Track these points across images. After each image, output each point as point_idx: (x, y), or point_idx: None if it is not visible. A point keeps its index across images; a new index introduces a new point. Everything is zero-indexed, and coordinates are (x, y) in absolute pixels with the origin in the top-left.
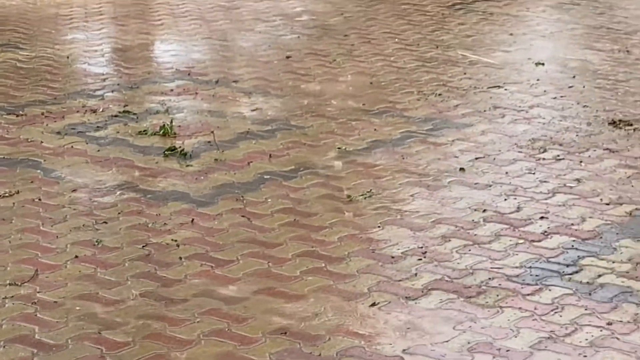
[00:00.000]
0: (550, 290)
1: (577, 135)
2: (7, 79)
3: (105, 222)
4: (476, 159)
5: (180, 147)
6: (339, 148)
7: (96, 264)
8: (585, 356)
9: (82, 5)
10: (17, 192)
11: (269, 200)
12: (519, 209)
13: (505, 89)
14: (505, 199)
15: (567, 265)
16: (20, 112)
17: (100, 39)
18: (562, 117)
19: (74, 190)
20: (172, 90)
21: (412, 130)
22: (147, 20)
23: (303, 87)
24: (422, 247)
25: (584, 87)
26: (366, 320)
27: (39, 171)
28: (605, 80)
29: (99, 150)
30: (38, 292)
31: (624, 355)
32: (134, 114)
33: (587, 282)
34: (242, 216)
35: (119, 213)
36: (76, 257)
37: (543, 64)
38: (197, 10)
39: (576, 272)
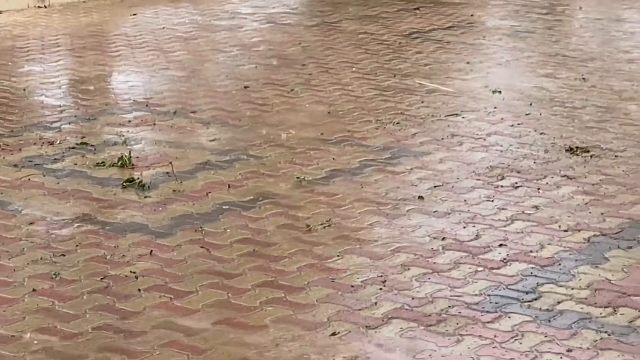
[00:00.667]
0: (509, 317)
1: (534, 163)
2: None
3: (63, 255)
4: (435, 187)
5: (138, 178)
6: (297, 177)
7: (54, 297)
8: None
9: (39, 38)
10: None
11: (228, 230)
12: (477, 236)
13: (463, 117)
14: (464, 227)
15: (527, 292)
16: None
17: (57, 71)
18: (520, 144)
19: (31, 223)
20: (130, 121)
21: (371, 159)
22: (104, 52)
23: (261, 117)
24: (381, 276)
25: (541, 114)
26: (326, 349)
27: None
28: (562, 108)
29: (57, 183)
30: None
31: None
32: (92, 145)
33: (547, 309)
34: (201, 247)
35: (77, 245)
36: (34, 290)
37: (500, 92)
38: (154, 42)
39: (535, 299)
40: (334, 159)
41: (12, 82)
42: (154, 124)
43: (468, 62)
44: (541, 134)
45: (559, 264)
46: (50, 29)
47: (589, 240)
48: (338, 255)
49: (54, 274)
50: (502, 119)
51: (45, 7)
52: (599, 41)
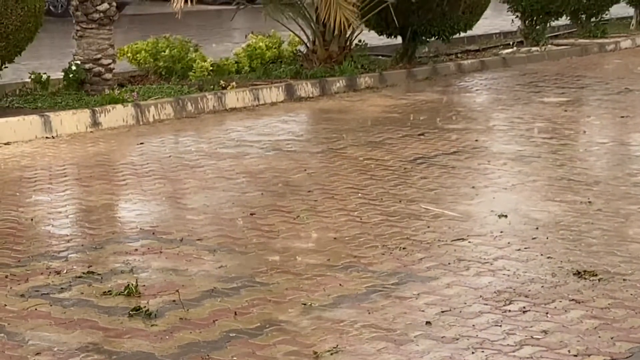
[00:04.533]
0: None
1: (542, 287)
2: None
3: None
4: (442, 312)
5: (145, 306)
6: (304, 304)
7: None
8: None
9: (47, 168)
10: None
11: (235, 358)
12: None
13: (469, 242)
14: (473, 352)
15: None
16: None
17: (65, 201)
18: (527, 268)
19: (37, 354)
20: (136, 249)
21: (377, 285)
22: (111, 181)
23: (267, 244)
24: None
25: (547, 238)
26: None
27: (2, 335)
28: (568, 231)
29: (64, 312)
30: None
31: None
32: (98, 274)
33: None
34: None
35: None
36: None
37: (506, 216)
38: (160, 170)
39: None
40: (340, 284)
41: (19, 212)
42: (161, 252)
43: (473, 187)
44: (548, 257)
45: None
46: (58, 159)
47: None
48: None
49: None
50: (508, 243)
51: (53, 137)
52: (604, 165)
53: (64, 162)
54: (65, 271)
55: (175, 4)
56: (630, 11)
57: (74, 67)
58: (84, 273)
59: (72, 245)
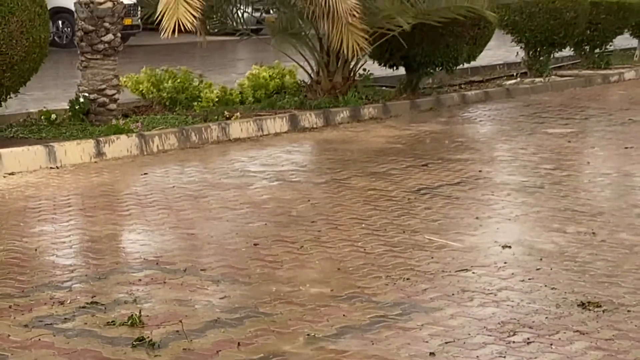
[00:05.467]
0: None
1: (546, 318)
2: None
3: None
4: (446, 343)
5: (148, 337)
6: (308, 334)
7: None
8: None
9: (51, 198)
10: None
11: None
12: None
13: (473, 273)
14: None
15: None
16: None
17: (69, 231)
18: (531, 299)
19: None
20: (140, 280)
21: (381, 315)
22: (115, 211)
23: (271, 274)
24: None
25: (551, 269)
26: None
27: None
28: (572, 262)
29: (67, 343)
30: None
31: None
32: (102, 304)
33: None
34: None
35: None
36: None
37: (510, 247)
38: (164, 200)
39: None
40: (344, 315)
41: (23, 243)
42: (164, 282)
43: (477, 218)
44: (552, 288)
45: None
46: (62, 189)
47: None
48: None
49: None
50: (512, 274)
51: (57, 167)
52: (608, 196)
53: (68, 192)
54: (69, 301)
55: (164, 33)
56: (634, 42)
57: (81, 99)
58: (87, 303)
59: (76, 276)
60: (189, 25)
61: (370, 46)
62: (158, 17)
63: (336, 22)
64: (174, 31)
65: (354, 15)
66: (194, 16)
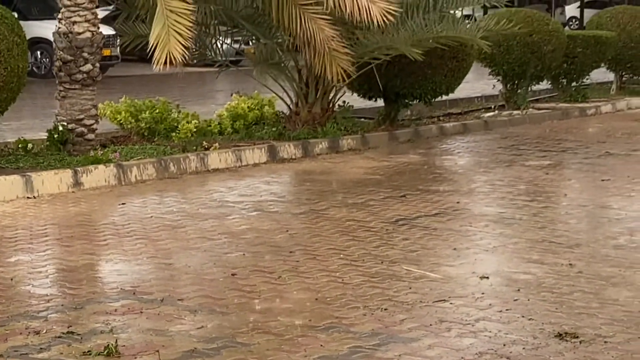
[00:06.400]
0: None
1: (523, 349)
2: None
3: None
4: None
5: None
6: None
7: None
8: None
9: (27, 228)
10: None
11: None
12: None
13: (451, 303)
14: None
15: None
16: None
17: (45, 260)
18: (508, 330)
19: None
20: (116, 309)
21: (359, 346)
22: (92, 241)
23: (249, 304)
24: None
25: (529, 300)
26: None
27: None
28: (549, 293)
29: None
30: None
31: None
32: (78, 334)
33: None
34: None
35: None
36: None
37: (487, 278)
38: (142, 230)
39: None
40: (322, 345)
41: None
42: (141, 312)
43: (455, 249)
44: (530, 319)
45: None
46: (39, 219)
47: None
48: None
49: None
50: (490, 304)
51: (34, 197)
52: (585, 227)
53: (45, 222)
54: (44, 331)
55: (156, 65)
56: (611, 76)
57: (60, 128)
58: (63, 333)
59: (52, 305)
60: (179, 57)
61: (355, 73)
62: (150, 49)
63: (317, 50)
64: (165, 63)
65: (332, 42)
66: (185, 47)
